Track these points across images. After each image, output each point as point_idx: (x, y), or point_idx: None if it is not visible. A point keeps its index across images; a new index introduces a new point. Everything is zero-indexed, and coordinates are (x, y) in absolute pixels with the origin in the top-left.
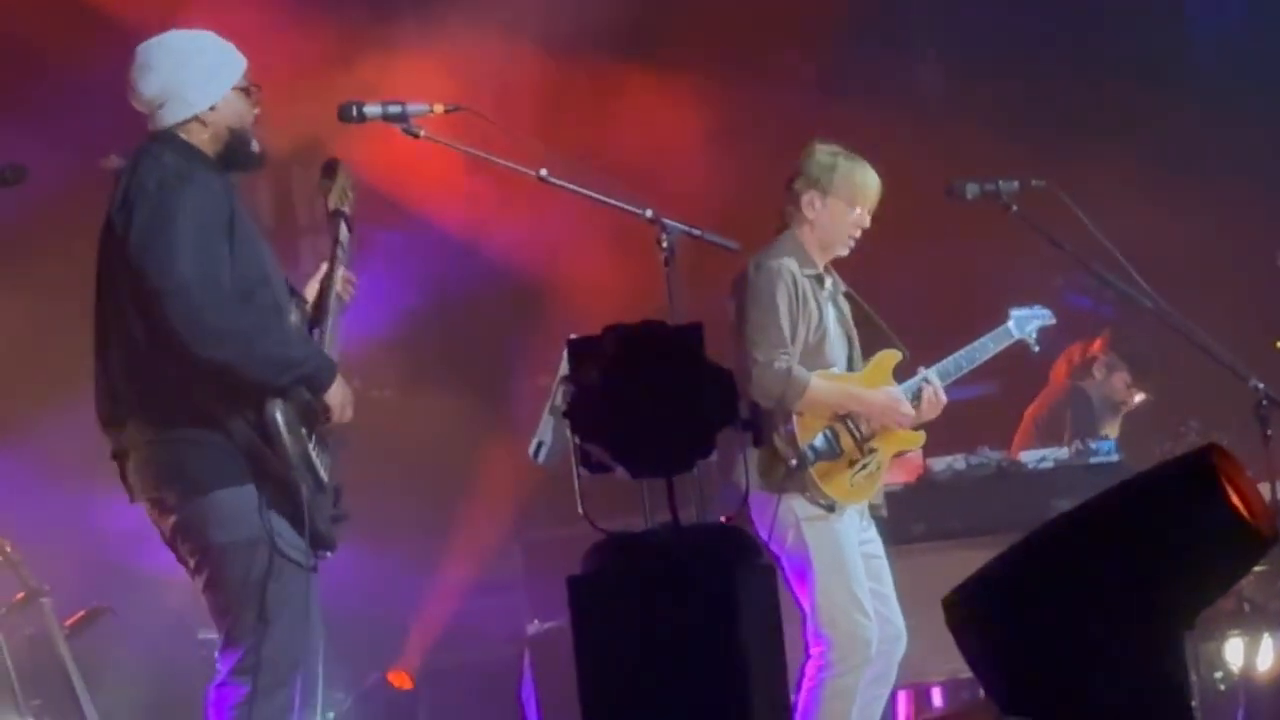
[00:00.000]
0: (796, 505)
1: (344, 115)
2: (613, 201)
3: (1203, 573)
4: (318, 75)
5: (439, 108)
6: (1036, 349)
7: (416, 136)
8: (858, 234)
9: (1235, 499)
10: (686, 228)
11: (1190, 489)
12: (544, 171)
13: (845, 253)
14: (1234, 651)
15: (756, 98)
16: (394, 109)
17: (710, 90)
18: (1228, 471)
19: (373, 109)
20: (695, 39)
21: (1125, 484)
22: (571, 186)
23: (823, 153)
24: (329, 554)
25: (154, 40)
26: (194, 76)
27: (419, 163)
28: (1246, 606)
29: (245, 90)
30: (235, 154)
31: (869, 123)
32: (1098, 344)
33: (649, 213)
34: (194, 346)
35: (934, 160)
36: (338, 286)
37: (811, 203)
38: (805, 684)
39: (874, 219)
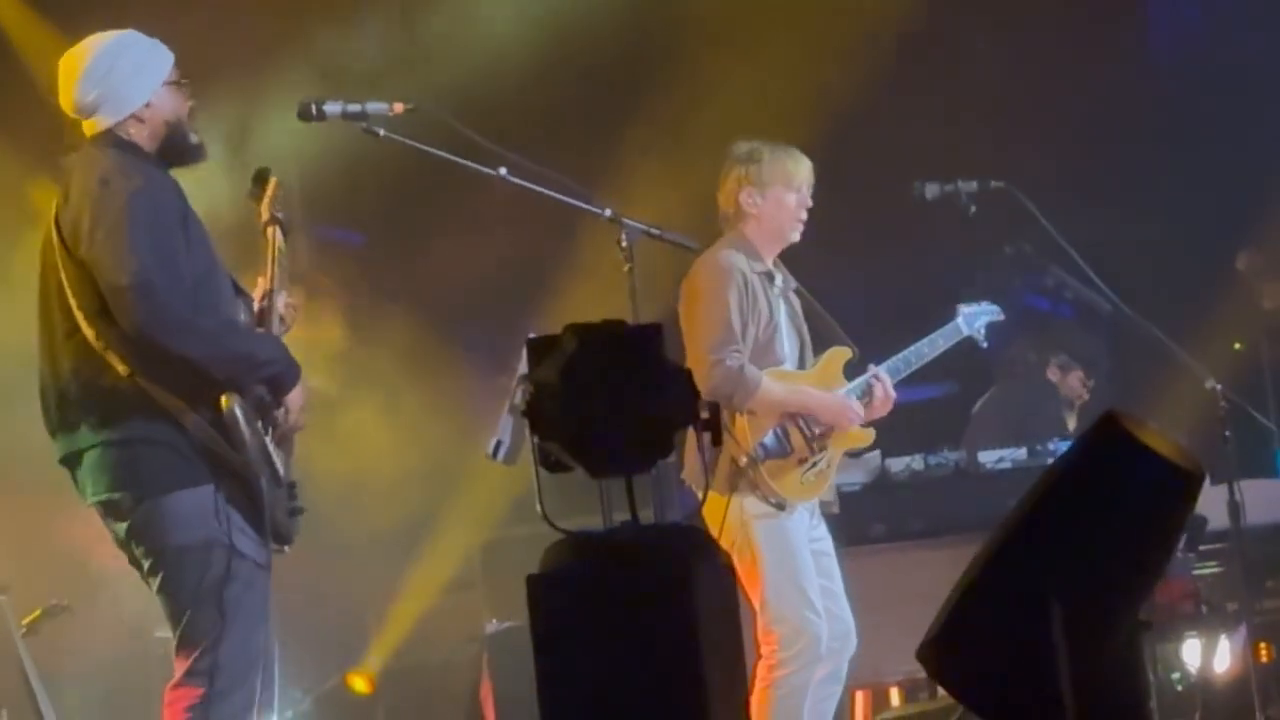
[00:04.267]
0: (747, 503)
1: (303, 114)
2: (572, 201)
3: (1148, 530)
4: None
5: (399, 107)
6: (985, 345)
7: (376, 135)
8: (804, 216)
9: (1155, 447)
10: (646, 227)
11: (1112, 452)
12: (504, 171)
13: (797, 238)
14: (1191, 652)
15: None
16: (353, 108)
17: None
18: (1136, 427)
19: (332, 107)
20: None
21: (1047, 476)
22: (531, 186)
23: (743, 149)
24: (286, 549)
25: (79, 46)
26: (124, 76)
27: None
28: (1204, 608)
29: (176, 83)
30: (175, 148)
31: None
32: None
33: (608, 212)
34: (163, 340)
35: (890, 161)
36: (280, 309)
37: (750, 199)
38: (757, 684)
39: (830, 220)
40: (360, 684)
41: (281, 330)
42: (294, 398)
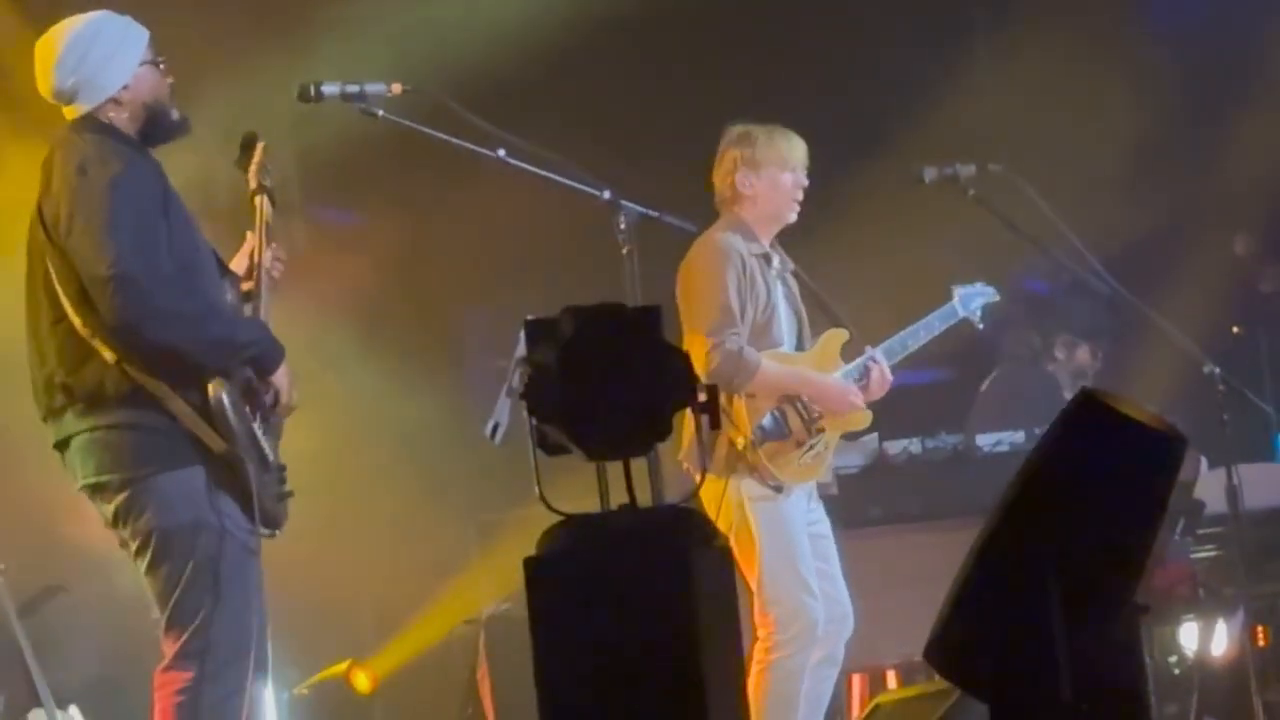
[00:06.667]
0: (745, 486)
1: (302, 95)
2: (570, 182)
3: (1136, 499)
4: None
5: (397, 88)
6: (981, 326)
7: (374, 117)
8: (800, 196)
9: (1134, 416)
10: (644, 209)
11: (1093, 425)
12: (502, 152)
13: (794, 218)
14: (1188, 636)
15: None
16: (352, 89)
17: None
18: (1114, 401)
19: (330, 89)
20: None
21: (1031, 458)
22: (529, 167)
23: (736, 131)
24: (276, 533)
25: (52, 32)
26: (100, 61)
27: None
28: (1201, 592)
29: (153, 63)
30: (157, 127)
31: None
32: None
33: (606, 194)
34: (143, 331)
35: (888, 144)
36: (267, 263)
37: (746, 181)
38: (753, 667)
39: (830, 205)
40: (362, 681)
41: (270, 285)
42: (280, 378)
